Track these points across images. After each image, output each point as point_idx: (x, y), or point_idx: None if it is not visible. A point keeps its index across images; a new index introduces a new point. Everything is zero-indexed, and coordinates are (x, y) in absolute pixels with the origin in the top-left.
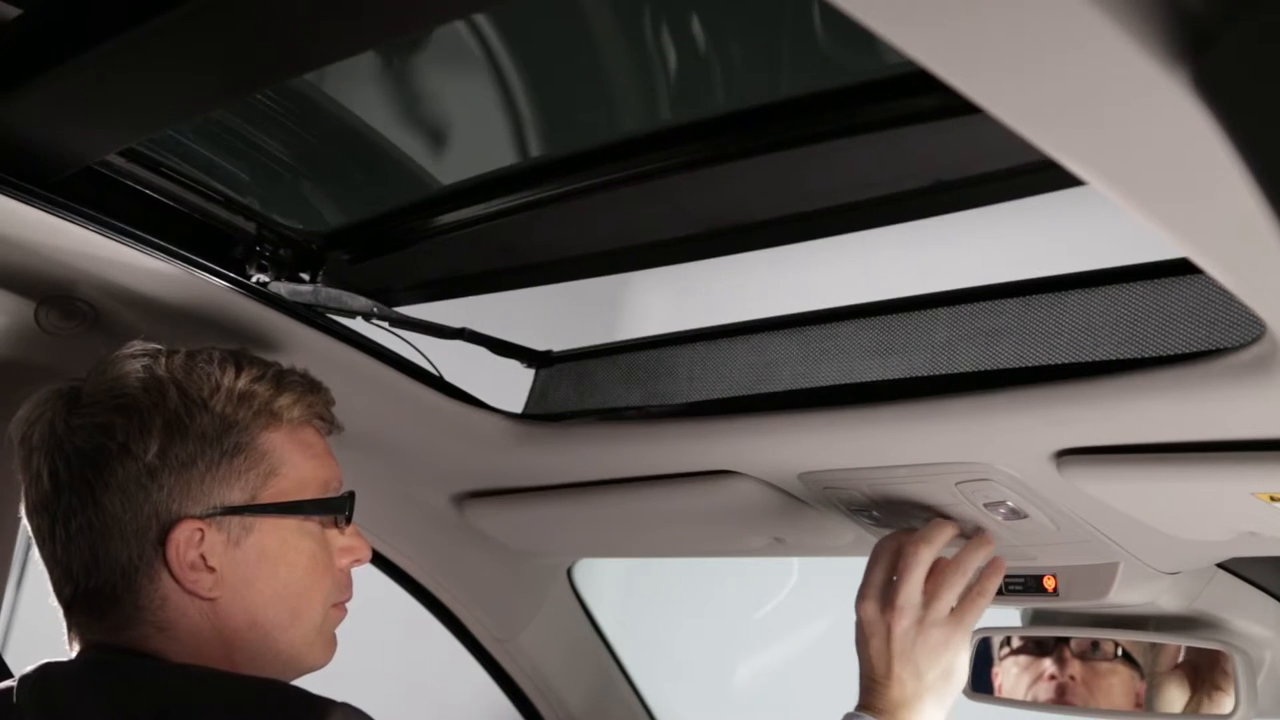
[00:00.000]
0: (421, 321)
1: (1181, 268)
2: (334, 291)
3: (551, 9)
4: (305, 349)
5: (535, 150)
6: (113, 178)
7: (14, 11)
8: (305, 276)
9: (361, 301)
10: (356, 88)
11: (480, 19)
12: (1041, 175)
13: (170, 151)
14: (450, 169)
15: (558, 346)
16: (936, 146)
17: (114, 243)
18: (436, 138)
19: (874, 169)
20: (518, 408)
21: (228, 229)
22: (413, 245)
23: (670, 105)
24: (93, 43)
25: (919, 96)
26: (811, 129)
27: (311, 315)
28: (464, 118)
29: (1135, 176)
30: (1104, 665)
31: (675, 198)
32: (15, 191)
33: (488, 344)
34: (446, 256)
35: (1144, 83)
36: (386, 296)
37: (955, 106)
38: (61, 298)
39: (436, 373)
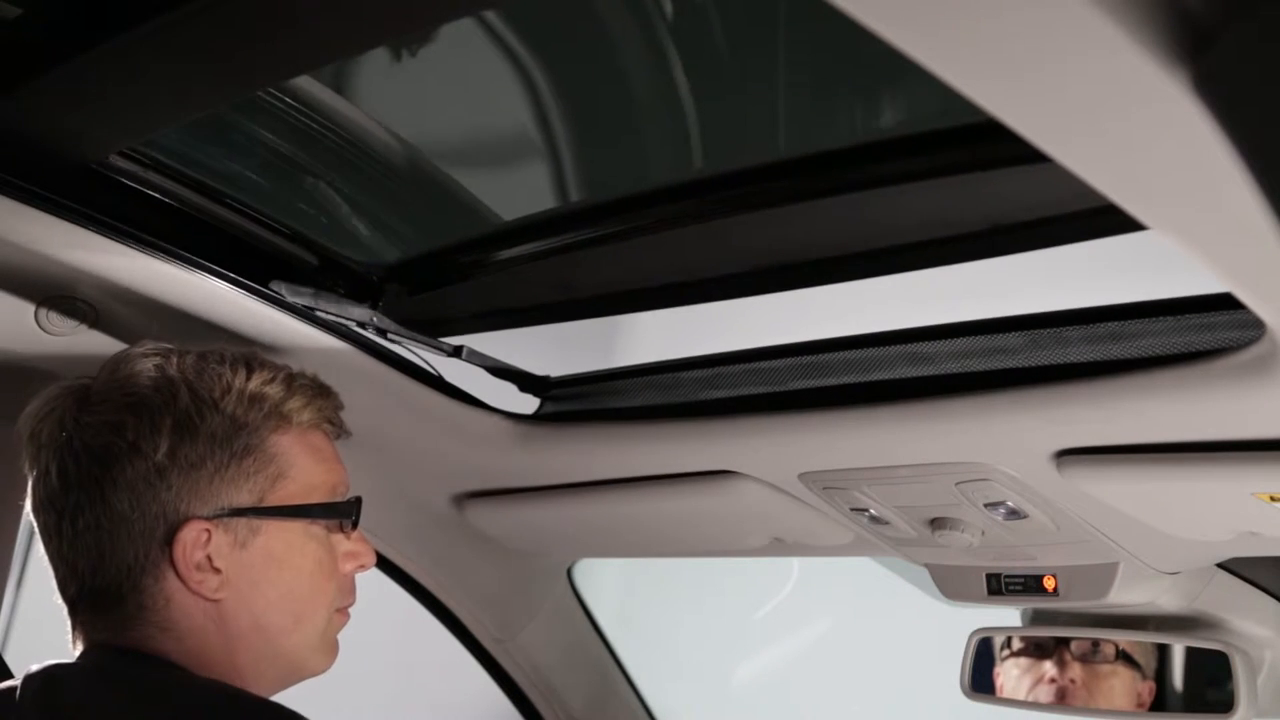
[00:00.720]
0: (420, 338)
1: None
2: (335, 295)
3: (615, 52)
4: (306, 348)
5: (597, 190)
6: (112, 178)
7: (14, 11)
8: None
9: (360, 310)
10: (426, 127)
11: (544, 65)
12: (1094, 220)
13: (237, 185)
14: (511, 206)
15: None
16: (993, 193)
17: (114, 243)
18: (499, 175)
19: (929, 213)
20: (524, 406)
21: (291, 260)
22: (471, 279)
23: (729, 151)
24: (93, 43)
25: (979, 145)
26: (866, 175)
27: (312, 315)
28: (526, 158)
29: (1135, 177)
30: (1104, 668)
31: (732, 238)
32: (15, 191)
33: (485, 365)
34: (504, 290)
35: (1144, 83)
36: (443, 327)
37: (1015, 156)
38: (62, 298)
39: (435, 373)
